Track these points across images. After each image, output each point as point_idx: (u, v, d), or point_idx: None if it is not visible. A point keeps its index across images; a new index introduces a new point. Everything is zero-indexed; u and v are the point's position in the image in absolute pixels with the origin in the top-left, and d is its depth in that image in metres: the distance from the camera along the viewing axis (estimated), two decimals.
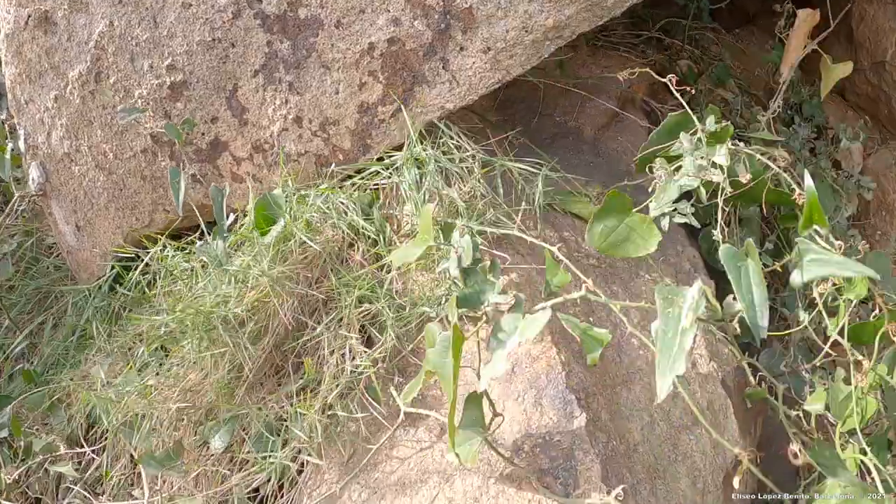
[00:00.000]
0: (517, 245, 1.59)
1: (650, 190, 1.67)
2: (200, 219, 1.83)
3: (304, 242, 1.54)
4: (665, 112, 2.28)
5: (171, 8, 1.81)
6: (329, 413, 1.39)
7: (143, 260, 1.89)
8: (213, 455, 1.52)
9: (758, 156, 1.74)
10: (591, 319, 1.64)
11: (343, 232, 1.61)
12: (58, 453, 1.66)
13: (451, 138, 1.71)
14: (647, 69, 2.02)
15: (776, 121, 2.50)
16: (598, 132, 2.16)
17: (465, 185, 1.61)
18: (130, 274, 1.93)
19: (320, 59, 1.73)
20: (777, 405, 1.86)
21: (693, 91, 2.49)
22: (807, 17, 2.27)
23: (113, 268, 2.00)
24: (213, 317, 1.45)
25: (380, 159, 1.75)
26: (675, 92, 1.80)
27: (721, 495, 1.58)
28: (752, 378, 1.84)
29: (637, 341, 1.65)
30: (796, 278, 1.15)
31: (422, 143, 1.69)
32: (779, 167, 1.80)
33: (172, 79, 1.85)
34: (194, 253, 1.75)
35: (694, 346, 1.08)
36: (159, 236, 1.87)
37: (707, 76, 2.48)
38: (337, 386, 1.38)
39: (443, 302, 1.46)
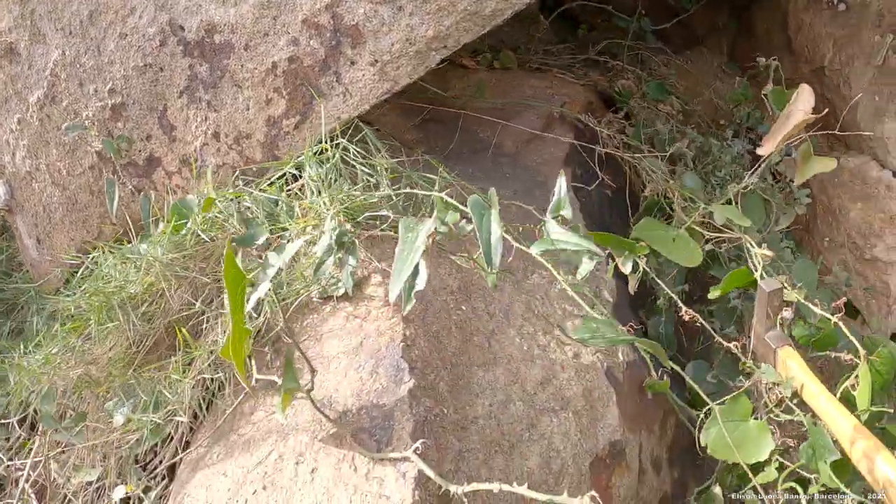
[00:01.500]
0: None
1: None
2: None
3: (200, 236, 1.70)
4: (598, 129, 2.39)
5: (111, 38, 2.03)
6: (204, 382, 1.54)
7: (85, 264, 2.08)
8: (112, 424, 1.66)
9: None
10: (469, 306, 1.76)
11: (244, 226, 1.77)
12: None
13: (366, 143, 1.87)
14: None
15: (718, 136, 2.59)
16: (521, 146, 2.27)
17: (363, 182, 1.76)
18: (76, 277, 2.12)
19: (233, 79, 1.92)
20: (674, 399, 1.94)
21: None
22: (807, 98, 1.98)
23: (68, 278, 2.19)
24: (114, 298, 1.62)
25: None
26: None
27: (588, 480, 1.64)
28: (653, 372, 1.93)
29: (516, 334, 1.75)
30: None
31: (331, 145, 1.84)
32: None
33: (113, 101, 2.06)
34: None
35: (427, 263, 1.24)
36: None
37: (642, 94, 2.60)
38: (210, 357, 1.52)
39: (312, 279, 1.61)
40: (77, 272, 2.15)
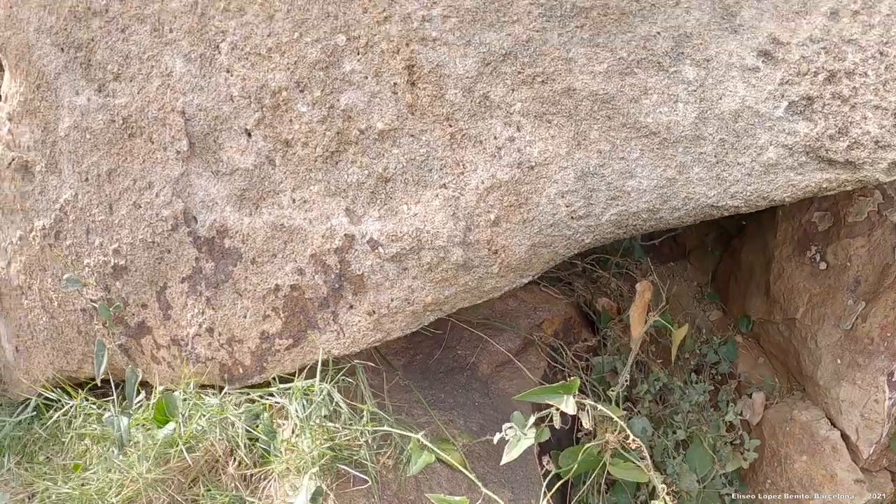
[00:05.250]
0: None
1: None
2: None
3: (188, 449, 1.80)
4: (569, 354, 2.49)
5: (124, 203, 2.07)
6: None
7: (63, 405, 2.15)
8: None
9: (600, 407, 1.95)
10: None
11: (225, 442, 1.86)
12: None
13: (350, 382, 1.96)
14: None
15: (681, 370, 2.70)
16: (495, 370, 2.36)
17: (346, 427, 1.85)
18: (51, 413, 2.19)
19: (235, 286, 1.98)
20: None
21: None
22: (643, 291, 2.36)
23: (37, 407, 2.26)
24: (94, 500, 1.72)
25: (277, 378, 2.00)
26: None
27: None
28: None
29: None
30: None
31: (321, 378, 1.93)
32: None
33: (116, 261, 2.11)
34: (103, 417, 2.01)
35: None
36: (79, 388, 2.14)
37: (620, 318, 2.69)
38: None
39: None
40: (51, 403, 2.23)
